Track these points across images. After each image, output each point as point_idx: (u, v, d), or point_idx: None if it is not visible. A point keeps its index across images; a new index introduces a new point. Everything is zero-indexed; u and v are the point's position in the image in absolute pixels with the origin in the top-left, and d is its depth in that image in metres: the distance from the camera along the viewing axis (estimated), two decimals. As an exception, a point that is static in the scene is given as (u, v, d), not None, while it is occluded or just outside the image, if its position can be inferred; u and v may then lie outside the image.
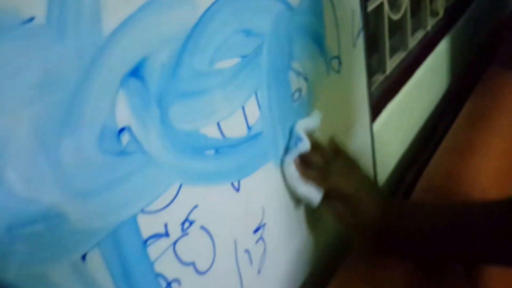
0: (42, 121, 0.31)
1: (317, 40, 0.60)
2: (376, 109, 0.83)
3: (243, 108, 0.50)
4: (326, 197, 0.58)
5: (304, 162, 0.57)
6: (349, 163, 0.62)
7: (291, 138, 0.57)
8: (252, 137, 0.52)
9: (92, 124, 0.35)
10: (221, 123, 0.48)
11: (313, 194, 0.58)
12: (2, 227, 0.30)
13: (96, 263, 0.37)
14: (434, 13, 1.13)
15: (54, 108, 0.32)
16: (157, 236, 0.42)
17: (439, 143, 0.94)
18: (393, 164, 0.94)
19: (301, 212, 0.64)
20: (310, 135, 0.58)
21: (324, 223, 0.70)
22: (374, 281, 0.62)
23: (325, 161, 0.59)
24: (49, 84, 0.31)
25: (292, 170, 0.57)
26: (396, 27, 0.98)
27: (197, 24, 0.42)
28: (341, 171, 0.59)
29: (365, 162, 0.81)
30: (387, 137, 0.88)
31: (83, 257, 0.36)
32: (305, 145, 0.57)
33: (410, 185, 0.88)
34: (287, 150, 0.57)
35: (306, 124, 0.58)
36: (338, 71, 0.66)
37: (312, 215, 0.66)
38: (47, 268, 0.34)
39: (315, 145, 0.59)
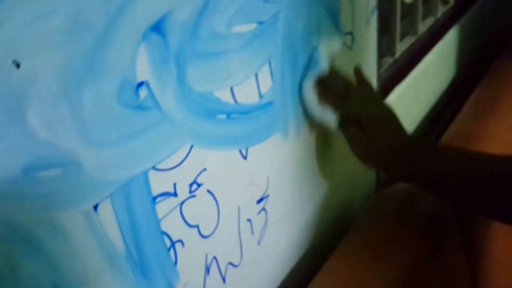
0: (67, 65, 0.32)
1: (333, 14, 0.61)
2: (383, 91, 0.85)
3: (256, 75, 0.51)
4: (342, 123, 0.59)
5: (323, 85, 0.58)
6: (370, 92, 0.62)
7: (312, 61, 0.58)
8: (263, 106, 0.53)
9: (113, 74, 0.36)
10: (234, 88, 0.49)
11: (329, 117, 0.59)
12: (19, 168, 0.32)
13: (107, 215, 0.38)
14: (445, 1, 1.14)
15: (79, 54, 0.33)
16: (166, 194, 0.44)
17: (445, 130, 0.95)
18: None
19: (305, 188, 0.66)
20: (331, 60, 0.60)
21: (326, 202, 0.72)
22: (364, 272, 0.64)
23: (345, 87, 0.59)
24: (77, 29, 0.32)
25: (310, 92, 0.58)
26: (407, 12, 0.99)
27: (218, -15, 0.43)
28: (360, 97, 0.60)
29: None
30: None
31: (95, 207, 0.37)
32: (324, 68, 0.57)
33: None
34: (306, 73, 0.58)
35: (328, 48, 0.59)
36: (350, 48, 0.67)
37: (316, 193, 0.68)
38: (60, 214, 0.35)
39: (335, 71, 0.60)
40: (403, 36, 0.97)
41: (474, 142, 0.85)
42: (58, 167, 0.34)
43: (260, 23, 0.50)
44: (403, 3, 0.92)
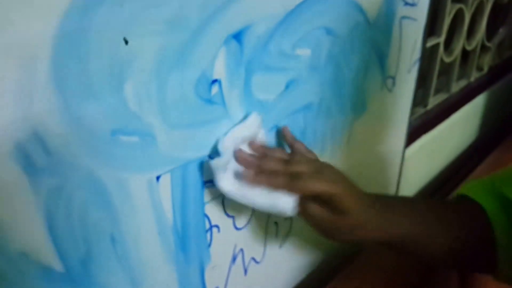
0: (163, 51, 0.36)
1: (381, 57, 0.65)
2: (410, 137, 0.87)
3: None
4: (300, 204, 0.47)
5: (257, 172, 0.46)
6: (314, 160, 0.50)
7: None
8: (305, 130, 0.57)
9: (196, 67, 0.40)
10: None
11: (287, 203, 0.46)
12: (109, 129, 0.35)
13: (165, 187, 0.42)
14: (479, 68, 1.17)
15: (174, 44, 0.37)
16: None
17: (458, 185, 0.97)
18: (415, 190, 0.97)
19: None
20: (253, 141, 0.48)
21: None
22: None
23: (284, 164, 0.47)
24: (177, 23, 0.36)
25: (242, 188, 0.45)
26: (444, 71, 1.02)
27: (292, 11, 0.47)
28: (311, 170, 0.46)
29: (390, 180, 0.85)
30: (415, 165, 0.92)
31: (158, 178, 0.41)
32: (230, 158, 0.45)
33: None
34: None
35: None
36: (390, 90, 0.70)
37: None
38: (130, 176, 0.38)
39: (262, 150, 0.48)
40: (437, 91, 1.00)
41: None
42: (137, 135, 0.38)
43: (317, 49, 0.53)
44: (442, 62, 0.95)
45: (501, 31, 1.16)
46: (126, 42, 0.34)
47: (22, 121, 0.30)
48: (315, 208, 0.47)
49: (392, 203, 0.52)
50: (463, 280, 0.77)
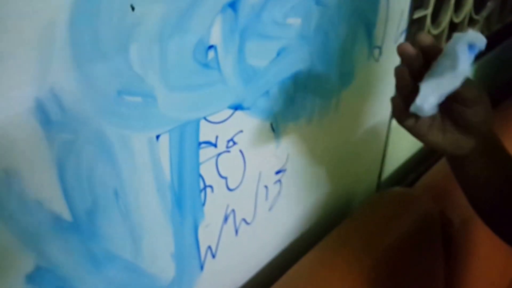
0: (166, 17, 0.41)
1: (368, 27, 0.70)
2: (397, 107, 0.93)
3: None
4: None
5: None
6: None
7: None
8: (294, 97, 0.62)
9: (194, 33, 0.44)
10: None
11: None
12: (115, 89, 0.40)
13: (164, 146, 0.47)
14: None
15: (175, 10, 0.42)
16: (208, 143, 0.52)
17: (442, 156, 1.04)
18: (400, 161, 1.04)
19: (315, 175, 0.74)
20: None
21: (330, 193, 0.80)
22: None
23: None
24: (178, -9, 0.41)
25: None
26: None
27: (284, -19, 0.52)
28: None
29: (376, 151, 0.92)
30: (401, 135, 0.98)
31: (157, 137, 0.46)
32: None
33: (411, 183, 0.98)
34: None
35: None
36: (377, 60, 0.76)
37: (324, 183, 0.77)
38: (133, 134, 0.43)
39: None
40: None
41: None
42: (140, 96, 0.42)
43: (307, 18, 0.58)
44: (429, 33, 1.00)
45: (489, 4, 1.21)
46: (133, 9, 0.38)
47: (42, 80, 0.35)
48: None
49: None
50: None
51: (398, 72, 0.50)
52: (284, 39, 0.55)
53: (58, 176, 0.39)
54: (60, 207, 0.40)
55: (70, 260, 0.42)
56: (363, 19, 0.68)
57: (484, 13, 1.22)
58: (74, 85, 0.37)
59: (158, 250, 0.51)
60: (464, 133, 0.52)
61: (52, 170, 0.38)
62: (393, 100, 0.52)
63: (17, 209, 0.37)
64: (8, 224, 0.37)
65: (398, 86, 0.51)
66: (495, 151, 0.58)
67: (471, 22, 1.18)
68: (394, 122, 0.92)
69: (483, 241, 0.91)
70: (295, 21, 0.56)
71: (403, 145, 1.03)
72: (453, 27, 1.12)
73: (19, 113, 0.34)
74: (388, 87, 0.84)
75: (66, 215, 0.41)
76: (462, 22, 1.13)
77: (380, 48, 0.76)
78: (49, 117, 0.36)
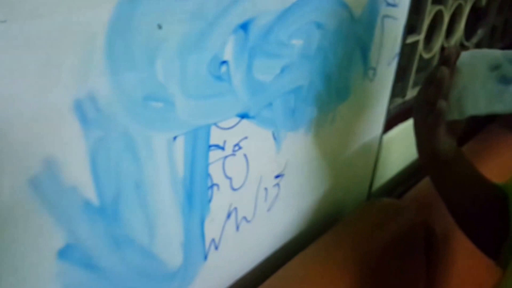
0: (186, 36, 0.47)
1: (364, 50, 0.76)
2: (389, 124, 0.99)
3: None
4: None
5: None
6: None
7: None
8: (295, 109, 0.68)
9: (209, 50, 0.51)
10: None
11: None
12: (141, 95, 0.46)
13: (179, 146, 0.53)
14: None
15: (194, 30, 0.48)
16: (217, 146, 0.58)
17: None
18: (390, 174, 1.10)
19: (310, 181, 0.80)
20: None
21: (323, 199, 0.86)
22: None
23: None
24: (198, 14, 0.47)
25: None
26: (423, 66, 1.14)
27: (289, 8, 0.58)
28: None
29: (368, 164, 0.97)
30: (391, 150, 1.04)
31: (174, 138, 0.52)
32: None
33: (399, 196, 1.04)
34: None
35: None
36: (371, 80, 0.82)
37: (317, 189, 0.82)
38: (154, 135, 0.49)
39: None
40: (415, 84, 1.12)
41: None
42: (162, 102, 0.48)
43: (308, 40, 0.64)
44: (422, 57, 1.07)
45: (479, 32, 1.28)
46: (160, 27, 0.45)
47: (82, 83, 0.41)
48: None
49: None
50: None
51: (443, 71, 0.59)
52: (288, 57, 0.62)
53: (90, 167, 0.45)
54: (90, 193, 0.46)
55: (95, 240, 0.48)
56: (359, 43, 0.74)
57: (475, 39, 1.29)
58: (108, 90, 0.43)
59: (170, 238, 0.57)
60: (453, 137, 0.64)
61: (86, 161, 0.44)
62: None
63: (54, 192, 0.43)
64: (46, 204, 0.43)
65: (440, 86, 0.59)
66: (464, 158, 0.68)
67: (462, 48, 1.25)
68: (385, 137, 0.98)
69: (464, 252, 0.96)
70: (298, 42, 0.62)
71: (393, 160, 1.09)
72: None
73: (62, 110, 0.40)
74: (380, 105, 0.91)
75: (95, 200, 0.46)
76: (452, 48, 1.19)
77: (374, 69, 0.82)
78: (86, 115, 0.42)
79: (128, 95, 0.45)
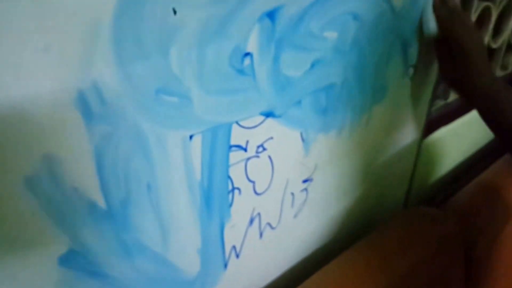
0: (206, 23, 0.42)
1: (404, 46, 0.70)
2: (430, 127, 0.92)
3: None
4: (439, 40, 0.69)
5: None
6: (472, 24, 0.68)
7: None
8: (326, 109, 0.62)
9: (231, 40, 0.45)
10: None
11: (431, 25, 0.69)
12: (154, 88, 0.41)
13: (196, 146, 0.48)
14: (504, 67, 1.20)
15: (215, 17, 0.43)
16: (239, 147, 0.53)
17: (472, 180, 1.01)
18: (429, 181, 1.02)
19: (341, 186, 0.74)
20: None
21: (355, 206, 0.79)
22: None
23: (456, 8, 0.66)
24: (219, -2, 0.42)
25: None
26: (488, 56, 1.05)
27: (322, -4, 0.53)
28: (468, 26, 0.65)
29: (405, 169, 0.90)
30: (432, 156, 0.97)
31: (191, 137, 0.47)
32: None
33: (438, 204, 0.96)
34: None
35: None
36: (411, 79, 0.75)
37: (349, 195, 0.76)
38: (168, 132, 0.45)
39: None
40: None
41: (497, 192, 0.91)
42: (177, 96, 0.44)
43: (343, 33, 0.58)
44: (489, 48, 0.99)
45: (530, 31, 1.18)
46: (175, 12, 0.40)
47: (85, 73, 0.36)
48: (444, 53, 0.70)
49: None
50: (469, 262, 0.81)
51: None
52: (319, 51, 0.56)
53: (96, 166, 0.40)
54: (96, 195, 0.41)
55: (102, 246, 0.44)
56: (400, 37, 0.68)
57: (524, 40, 1.19)
58: (115, 81, 0.38)
59: (186, 245, 0.52)
60: None
61: (90, 159, 0.40)
62: None
63: (55, 193, 0.39)
64: (46, 206, 0.38)
65: None
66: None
67: (509, 48, 1.16)
68: (425, 141, 0.91)
69: (507, 268, 0.88)
70: (331, 35, 0.56)
71: (433, 165, 1.01)
72: (491, 52, 1.10)
73: (63, 101, 0.36)
74: (420, 107, 0.83)
75: (101, 203, 0.42)
76: (500, 48, 1.11)
77: (415, 67, 0.75)
78: (90, 108, 0.38)
79: (138, 87, 0.40)
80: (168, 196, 0.48)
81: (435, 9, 0.68)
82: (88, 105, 0.38)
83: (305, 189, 0.66)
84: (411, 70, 0.75)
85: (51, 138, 0.37)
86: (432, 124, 0.93)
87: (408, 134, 0.85)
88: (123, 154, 0.42)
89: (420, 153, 0.91)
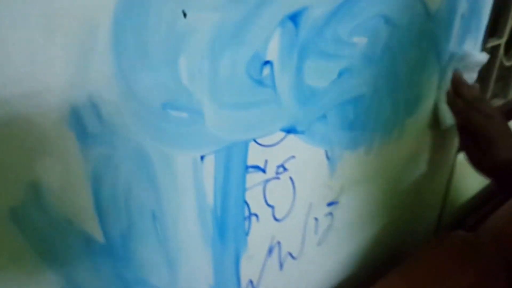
0: (219, 27, 0.38)
1: (439, 52, 0.65)
2: (463, 142, 0.87)
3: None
4: (459, 129, 0.70)
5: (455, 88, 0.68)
6: (490, 109, 0.68)
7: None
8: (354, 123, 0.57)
9: (249, 47, 0.41)
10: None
11: (448, 116, 0.70)
12: (160, 102, 0.37)
13: (208, 168, 0.43)
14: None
15: (230, 21, 0.38)
16: (257, 167, 0.48)
17: (508, 199, 0.95)
18: (462, 201, 0.97)
19: (370, 210, 0.69)
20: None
21: (385, 231, 0.74)
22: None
23: (472, 98, 0.67)
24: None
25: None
26: (504, 74, 1.01)
27: (351, -4, 0.48)
28: (486, 114, 0.66)
29: (439, 188, 0.85)
30: (466, 173, 0.91)
31: (202, 157, 0.42)
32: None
33: (472, 226, 0.91)
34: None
35: (478, 57, 0.68)
36: (446, 89, 0.70)
37: (379, 219, 0.71)
38: (176, 153, 0.40)
39: (464, 83, 0.68)
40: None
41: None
42: (187, 111, 0.39)
43: (373, 38, 0.54)
44: (501, 65, 0.94)
45: None
46: (185, 15, 0.35)
47: (79, 86, 0.32)
48: (467, 141, 0.70)
49: None
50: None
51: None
52: (348, 59, 0.51)
53: (92, 193, 0.36)
54: (92, 227, 0.37)
55: (100, 286, 0.39)
56: (435, 44, 0.63)
57: None
58: (114, 95, 0.34)
59: (196, 281, 0.47)
60: None
61: (86, 186, 0.35)
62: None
63: (44, 226, 0.34)
64: (34, 242, 0.34)
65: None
66: None
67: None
68: (461, 156, 0.86)
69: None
70: (360, 40, 0.52)
71: (467, 184, 0.96)
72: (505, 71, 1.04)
73: (53, 120, 0.32)
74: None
75: (99, 236, 0.38)
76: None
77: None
78: (85, 128, 0.33)
79: (141, 102, 0.36)
80: (175, 226, 0.43)
81: (449, 102, 0.69)
82: (83, 124, 0.33)
83: (330, 213, 0.62)
84: (447, 79, 0.70)
85: (40, 163, 0.32)
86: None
87: (442, 149, 0.79)
88: (124, 179, 0.37)
89: (454, 171, 0.86)
